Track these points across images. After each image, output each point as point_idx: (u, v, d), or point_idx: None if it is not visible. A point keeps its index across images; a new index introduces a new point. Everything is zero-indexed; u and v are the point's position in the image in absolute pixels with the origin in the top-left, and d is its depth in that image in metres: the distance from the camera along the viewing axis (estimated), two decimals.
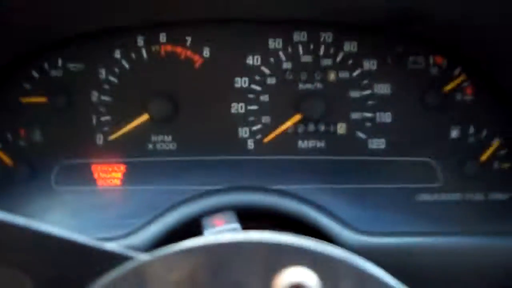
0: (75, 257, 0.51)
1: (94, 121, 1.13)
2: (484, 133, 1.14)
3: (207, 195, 0.95)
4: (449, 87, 1.13)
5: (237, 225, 0.81)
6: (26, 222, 0.49)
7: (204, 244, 0.49)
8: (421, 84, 1.13)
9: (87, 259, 0.51)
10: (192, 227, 0.92)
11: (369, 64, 1.13)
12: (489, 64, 1.11)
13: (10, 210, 1.07)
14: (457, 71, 1.13)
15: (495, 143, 1.14)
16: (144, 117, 1.12)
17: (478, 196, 1.14)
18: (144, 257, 0.50)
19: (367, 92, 1.13)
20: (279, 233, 0.50)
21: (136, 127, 1.12)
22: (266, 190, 0.97)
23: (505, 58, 1.06)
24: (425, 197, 1.13)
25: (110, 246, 0.52)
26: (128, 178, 1.12)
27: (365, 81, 1.12)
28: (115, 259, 0.51)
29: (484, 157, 1.13)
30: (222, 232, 0.77)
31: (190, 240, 0.50)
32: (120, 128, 1.13)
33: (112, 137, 1.13)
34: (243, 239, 0.49)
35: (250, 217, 0.91)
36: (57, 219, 1.10)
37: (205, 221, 0.83)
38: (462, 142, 1.14)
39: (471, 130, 1.14)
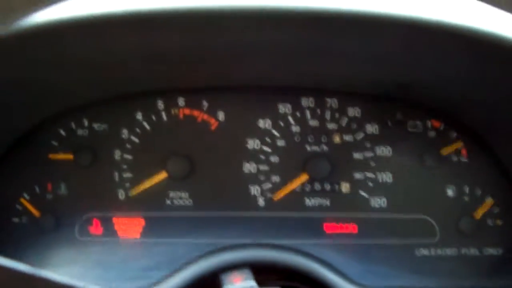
0: None
1: (116, 177, 1.20)
2: (478, 192, 1.21)
3: (223, 251, 1.03)
4: (446, 151, 1.20)
5: (253, 283, 0.88)
6: (59, 278, 0.56)
7: None
8: (419, 146, 1.21)
9: None
10: (208, 282, 1.00)
11: (371, 128, 1.21)
12: (483, 130, 1.19)
13: (36, 258, 1.17)
14: (453, 135, 1.21)
15: (488, 201, 1.21)
16: (163, 174, 1.19)
17: (473, 251, 1.20)
18: None
19: (370, 154, 1.20)
20: None
21: (155, 184, 1.20)
22: (278, 247, 1.05)
23: (498, 127, 1.15)
24: (423, 251, 1.19)
25: None
26: (147, 231, 1.19)
27: (368, 144, 1.20)
28: None
29: (478, 215, 1.20)
30: None
31: None
32: (140, 184, 1.20)
33: (133, 193, 1.21)
34: None
35: (261, 271, 0.99)
36: (81, 268, 1.16)
37: (224, 278, 0.90)
38: (457, 200, 1.21)
39: (466, 189, 1.21)
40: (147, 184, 1.19)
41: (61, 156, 1.22)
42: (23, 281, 0.55)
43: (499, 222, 1.21)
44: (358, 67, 1.06)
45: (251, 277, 0.87)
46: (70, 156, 1.21)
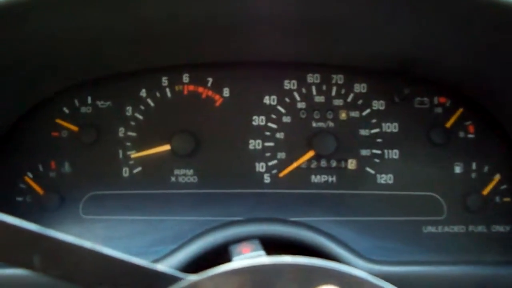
0: (131, 278, 0.56)
1: (120, 155, 1.20)
2: (486, 168, 1.20)
3: (231, 226, 1.02)
4: (450, 122, 1.19)
5: (262, 253, 0.87)
6: (89, 245, 0.55)
7: (248, 265, 0.56)
8: (426, 123, 1.20)
9: (141, 279, 0.56)
10: (215, 255, 0.99)
11: (378, 104, 1.20)
12: (490, 105, 1.19)
13: None
14: (460, 111, 1.20)
15: (496, 178, 1.20)
16: (166, 147, 1.18)
17: (481, 228, 1.19)
18: (193, 277, 0.57)
19: (376, 130, 1.19)
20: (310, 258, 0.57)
21: (159, 162, 1.19)
22: (286, 222, 1.04)
23: (507, 102, 1.14)
24: (430, 229, 1.19)
25: (162, 267, 0.57)
26: (152, 208, 1.18)
27: (374, 120, 1.18)
28: (167, 279, 0.57)
29: (486, 192, 1.19)
30: (250, 258, 0.83)
31: (235, 262, 0.57)
32: (144, 161, 1.19)
33: (137, 170, 1.20)
34: (282, 261, 0.56)
35: (268, 247, 0.98)
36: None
37: (233, 249, 0.89)
38: (465, 177, 1.20)
39: (474, 166, 1.20)
40: (148, 152, 1.18)
41: (67, 125, 1.20)
42: (31, 240, 0.52)
43: (507, 199, 1.20)
44: (365, 41, 1.05)
45: (260, 247, 0.86)
46: (75, 128, 1.20)
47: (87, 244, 0.55)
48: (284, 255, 0.60)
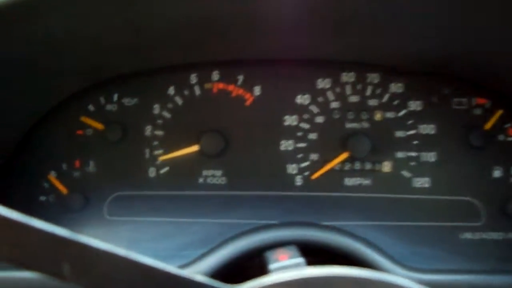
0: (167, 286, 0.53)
1: (147, 154, 1.16)
2: None
3: (263, 230, 0.98)
4: (489, 124, 1.15)
5: (301, 260, 0.82)
6: (123, 252, 0.51)
7: (298, 277, 0.52)
8: (464, 125, 1.15)
9: None
10: (247, 260, 0.95)
11: (415, 105, 1.15)
12: None
13: None
14: (499, 112, 1.15)
15: None
16: (194, 147, 1.14)
17: None
18: None
19: (412, 131, 1.15)
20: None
21: (187, 162, 1.15)
22: (322, 226, 1.00)
23: None
24: (467, 235, 1.14)
25: (201, 278, 0.54)
26: (179, 210, 1.15)
27: (410, 121, 1.15)
28: None
29: None
30: (289, 266, 0.79)
31: (283, 274, 0.53)
32: (172, 161, 1.16)
33: (164, 170, 1.16)
34: (334, 273, 0.52)
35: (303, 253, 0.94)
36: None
37: (269, 255, 0.85)
38: (504, 182, 1.15)
39: None
40: (177, 154, 1.14)
41: (92, 123, 1.17)
42: (60, 246, 0.48)
43: None
44: (402, 38, 1.01)
45: (299, 254, 0.82)
46: (100, 126, 1.16)
47: (121, 251, 0.50)
48: (328, 265, 0.56)
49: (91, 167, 1.16)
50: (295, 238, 0.96)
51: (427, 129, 1.15)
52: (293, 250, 0.85)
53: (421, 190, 1.14)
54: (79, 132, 1.17)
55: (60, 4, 0.77)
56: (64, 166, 1.17)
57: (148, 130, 1.15)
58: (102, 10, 0.82)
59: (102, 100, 1.17)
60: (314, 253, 0.99)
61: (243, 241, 0.97)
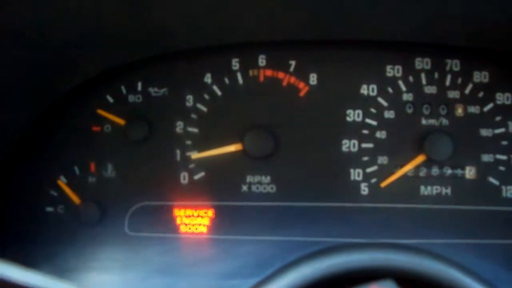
0: None
1: (178, 156, 1.01)
2: None
3: (334, 252, 0.78)
4: None
5: None
6: None
7: None
8: None
9: None
10: None
11: (503, 98, 1.00)
12: None
13: (74, 258, 0.95)
14: None
15: None
16: (236, 147, 0.99)
17: None
18: None
19: (501, 130, 1.00)
20: None
21: (228, 165, 1.00)
22: (417, 251, 0.80)
23: None
24: None
25: None
26: (218, 225, 0.99)
27: (499, 118, 1.00)
28: None
29: None
30: None
31: None
32: (208, 165, 1.00)
33: (199, 175, 1.00)
34: None
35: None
36: (133, 274, 0.95)
37: None
38: None
39: None
40: (216, 152, 0.99)
41: (111, 117, 1.02)
42: None
43: None
44: (495, 8, 0.84)
45: None
46: (121, 121, 1.01)
47: None
48: None
49: (110, 171, 1.02)
50: (380, 265, 0.76)
51: None
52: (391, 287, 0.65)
53: None
54: (95, 128, 1.03)
55: None
56: (77, 170, 1.03)
57: (179, 126, 1.01)
58: None
59: (123, 89, 1.03)
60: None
61: (309, 267, 0.77)
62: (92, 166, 1.02)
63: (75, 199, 1.00)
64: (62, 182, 1.01)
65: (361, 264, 0.78)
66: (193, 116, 1.01)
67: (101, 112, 1.01)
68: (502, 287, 0.89)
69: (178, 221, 0.99)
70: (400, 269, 0.79)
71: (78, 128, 1.02)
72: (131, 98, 1.02)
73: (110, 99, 1.02)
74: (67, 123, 1.02)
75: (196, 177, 1.00)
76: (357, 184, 1.00)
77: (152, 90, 1.02)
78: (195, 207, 1.00)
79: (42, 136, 1.02)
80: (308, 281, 0.78)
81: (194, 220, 0.99)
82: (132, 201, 1.01)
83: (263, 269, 0.86)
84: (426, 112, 1.00)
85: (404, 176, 0.99)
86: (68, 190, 1.01)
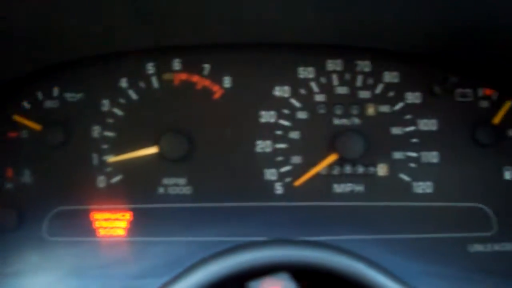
0: None
1: (95, 160, 1.01)
2: None
3: (241, 250, 0.79)
4: (498, 118, 1.02)
5: None
6: None
7: None
8: (470, 119, 1.02)
9: None
10: None
11: (413, 97, 1.02)
12: None
13: None
14: (508, 104, 1.02)
15: None
16: (152, 150, 0.99)
17: None
18: None
19: (411, 128, 1.02)
20: None
21: (144, 168, 0.99)
22: (313, 244, 0.82)
23: None
24: (478, 247, 1.01)
25: None
26: (135, 227, 0.99)
27: (408, 116, 1.02)
28: None
29: None
30: None
31: None
32: (125, 168, 0.99)
33: (116, 179, 1.00)
34: None
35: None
36: (50, 277, 0.94)
37: (254, 286, 0.68)
38: None
39: None
40: (132, 155, 0.99)
41: (27, 123, 1.01)
42: None
43: None
44: (404, 12, 0.85)
45: (294, 285, 0.64)
46: (38, 127, 1.00)
47: None
48: None
49: (27, 177, 1.01)
50: (283, 261, 0.77)
51: (428, 125, 1.03)
52: (285, 279, 0.67)
53: (423, 197, 1.02)
54: (12, 134, 1.01)
55: None
56: None
57: (95, 131, 1.01)
58: None
59: (39, 95, 1.01)
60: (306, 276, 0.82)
61: (217, 265, 0.78)
62: (9, 172, 1.00)
63: None
64: None
65: (263, 260, 0.78)
66: (109, 120, 1.00)
67: (17, 118, 1.00)
68: (411, 281, 0.90)
69: (96, 224, 0.99)
70: (302, 263, 0.80)
71: None
72: (47, 103, 1.01)
73: (26, 105, 1.00)
74: None
75: (113, 180, 0.99)
76: (271, 183, 1.00)
77: (68, 95, 1.01)
78: (113, 211, 0.99)
79: None
80: (215, 278, 0.79)
81: (112, 223, 0.99)
82: (50, 206, 1.00)
83: (173, 269, 0.86)
84: (338, 112, 1.01)
85: (318, 174, 1.00)
86: None
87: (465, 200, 1.02)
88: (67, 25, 0.87)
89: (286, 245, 0.80)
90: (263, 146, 1.00)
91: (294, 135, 1.01)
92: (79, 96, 1.01)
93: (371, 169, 1.01)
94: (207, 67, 1.01)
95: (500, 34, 0.87)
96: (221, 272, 0.78)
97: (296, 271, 0.77)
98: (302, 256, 0.78)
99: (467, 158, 1.02)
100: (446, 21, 0.85)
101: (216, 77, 1.01)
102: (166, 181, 1.00)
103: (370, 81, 1.02)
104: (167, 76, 1.01)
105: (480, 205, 1.02)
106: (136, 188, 1.00)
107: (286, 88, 1.01)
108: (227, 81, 1.01)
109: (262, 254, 0.78)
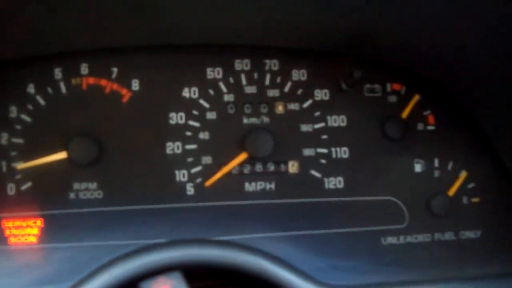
0: None
1: (4, 167, 0.98)
2: (450, 165, 1.05)
3: (143, 252, 0.79)
4: (406, 112, 1.04)
5: None
6: None
7: None
8: (379, 114, 1.04)
9: None
10: None
11: (321, 94, 1.04)
12: (453, 89, 1.02)
13: None
14: (415, 98, 1.05)
15: (463, 175, 1.05)
16: (61, 155, 0.97)
17: (448, 236, 1.04)
18: None
19: (320, 125, 1.03)
20: None
21: (54, 174, 0.97)
22: (214, 243, 0.81)
23: (464, 79, 0.98)
24: (391, 240, 1.03)
25: None
26: (46, 234, 0.97)
27: (318, 113, 1.03)
28: None
29: (451, 192, 1.04)
30: None
31: None
32: (35, 174, 0.97)
33: (26, 186, 0.97)
34: None
35: (195, 277, 0.76)
36: None
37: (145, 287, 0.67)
38: (427, 177, 1.05)
39: (436, 163, 1.05)
40: (41, 161, 0.96)
41: None
42: None
43: (475, 199, 1.06)
44: (306, 12, 0.87)
45: (183, 283, 0.65)
46: None
47: None
48: None
49: None
50: (182, 261, 0.77)
51: (337, 121, 1.04)
52: (176, 278, 0.67)
53: (335, 192, 1.02)
54: None
55: None
56: None
57: (3, 138, 0.98)
58: None
59: None
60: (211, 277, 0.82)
61: (118, 268, 0.77)
62: None
63: None
64: None
65: (156, 263, 0.78)
66: (18, 127, 0.97)
67: None
68: (320, 276, 0.90)
69: (7, 232, 0.96)
70: (206, 261, 0.80)
71: None
72: None
73: None
74: None
75: (24, 187, 0.97)
76: (182, 185, 0.99)
77: None
78: (24, 218, 0.96)
79: None
80: (118, 280, 0.78)
81: (23, 231, 0.96)
82: None
83: (79, 274, 0.85)
84: (247, 111, 1.01)
85: (229, 174, 1.00)
86: None
87: (377, 194, 1.03)
88: None
89: (182, 245, 0.80)
90: (173, 147, 0.99)
91: (204, 135, 1.00)
92: None
93: (282, 166, 1.01)
94: (115, 70, 1.00)
95: (396, 36, 0.89)
96: (119, 276, 0.77)
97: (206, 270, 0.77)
98: (198, 255, 0.78)
99: (378, 152, 1.04)
100: (343, 22, 0.87)
101: (124, 80, 1.00)
102: (76, 186, 0.98)
103: (279, 79, 1.02)
104: (75, 80, 0.99)
105: (393, 198, 1.03)
106: (46, 194, 0.97)
107: (195, 89, 1.01)
108: (135, 84, 1.00)
109: (155, 256, 0.77)
